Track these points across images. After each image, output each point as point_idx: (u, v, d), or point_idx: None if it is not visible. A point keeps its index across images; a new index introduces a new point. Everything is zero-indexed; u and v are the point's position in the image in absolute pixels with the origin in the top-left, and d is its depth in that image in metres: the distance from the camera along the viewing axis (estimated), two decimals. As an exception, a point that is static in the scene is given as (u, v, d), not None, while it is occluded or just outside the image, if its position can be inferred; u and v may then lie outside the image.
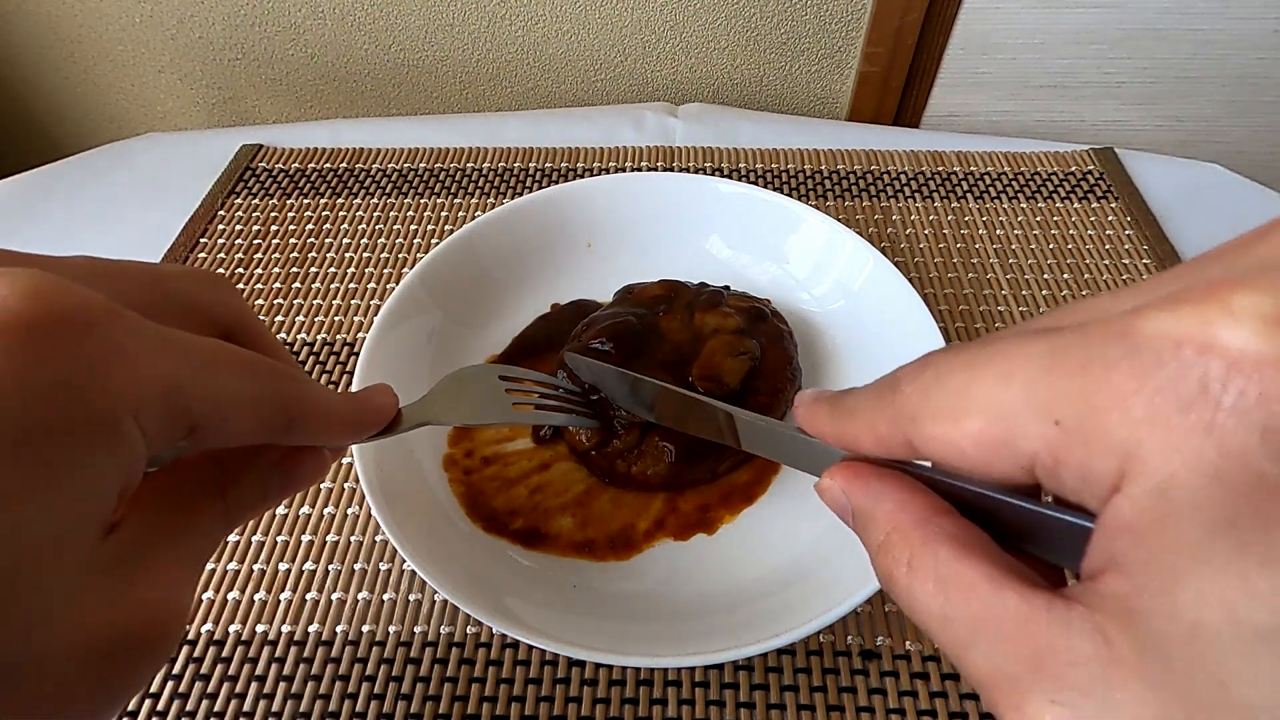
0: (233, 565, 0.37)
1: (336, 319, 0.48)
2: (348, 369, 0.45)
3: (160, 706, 0.32)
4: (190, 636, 0.34)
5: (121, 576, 0.16)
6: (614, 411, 0.36)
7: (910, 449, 0.15)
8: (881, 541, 0.16)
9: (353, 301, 0.49)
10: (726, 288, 0.43)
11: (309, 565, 0.36)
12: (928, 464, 0.16)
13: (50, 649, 0.14)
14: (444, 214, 0.54)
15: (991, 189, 0.56)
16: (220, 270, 0.51)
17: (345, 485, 0.39)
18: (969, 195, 0.55)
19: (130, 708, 0.32)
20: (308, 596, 0.35)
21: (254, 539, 0.37)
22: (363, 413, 0.22)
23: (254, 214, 0.55)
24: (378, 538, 0.37)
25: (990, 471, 0.14)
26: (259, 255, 0.52)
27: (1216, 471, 0.11)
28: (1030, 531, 0.15)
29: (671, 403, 0.32)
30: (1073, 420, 0.12)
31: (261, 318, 0.48)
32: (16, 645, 0.14)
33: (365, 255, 0.52)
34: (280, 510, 0.38)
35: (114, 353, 0.15)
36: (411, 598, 0.35)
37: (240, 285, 0.50)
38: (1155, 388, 0.11)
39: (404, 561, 0.36)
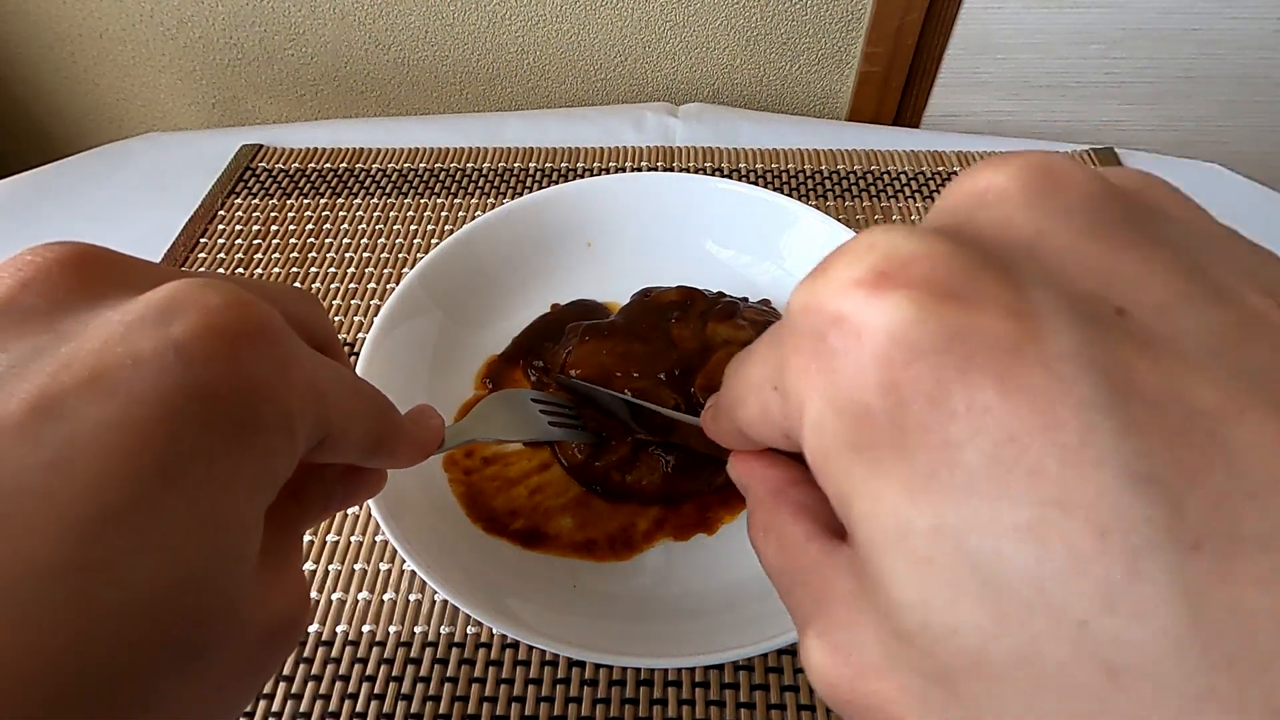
0: (233, 565, 0.37)
1: (336, 319, 0.48)
2: (348, 369, 0.45)
3: (160, 706, 0.32)
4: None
5: (271, 564, 0.17)
6: (610, 422, 0.37)
7: (744, 436, 0.17)
8: (750, 509, 0.18)
9: (353, 301, 0.49)
10: (745, 299, 0.42)
11: (309, 565, 0.36)
12: None
13: (238, 630, 0.16)
14: (444, 214, 0.54)
15: (991, 189, 0.56)
16: (220, 271, 0.51)
17: (345, 485, 0.39)
18: (969, 195, 0.55)
19: (130, 708, 0.32)
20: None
21: (254, 539, 0.37)
22: (425, 440, 0.24)
23: (254, 214, 0.55)
24: (378, 538, 0.37)
25: (778, 443, 0.16)
26: (259, 255, 0.52)
27: (834, 404, 0.13)
28: None
29: (657, 421, 0.32)
30: (779, 382, 0.14)
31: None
32: (215, 625, 0.15)
33: (365, 255, 0.52)
34: (280, 510, 0.38)
35: (292, 359, 0.16)
36: (411, 598, 0.35)
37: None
38: (795, 345, 0.14)
39: (404, 561, 0.36)
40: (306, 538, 0.37)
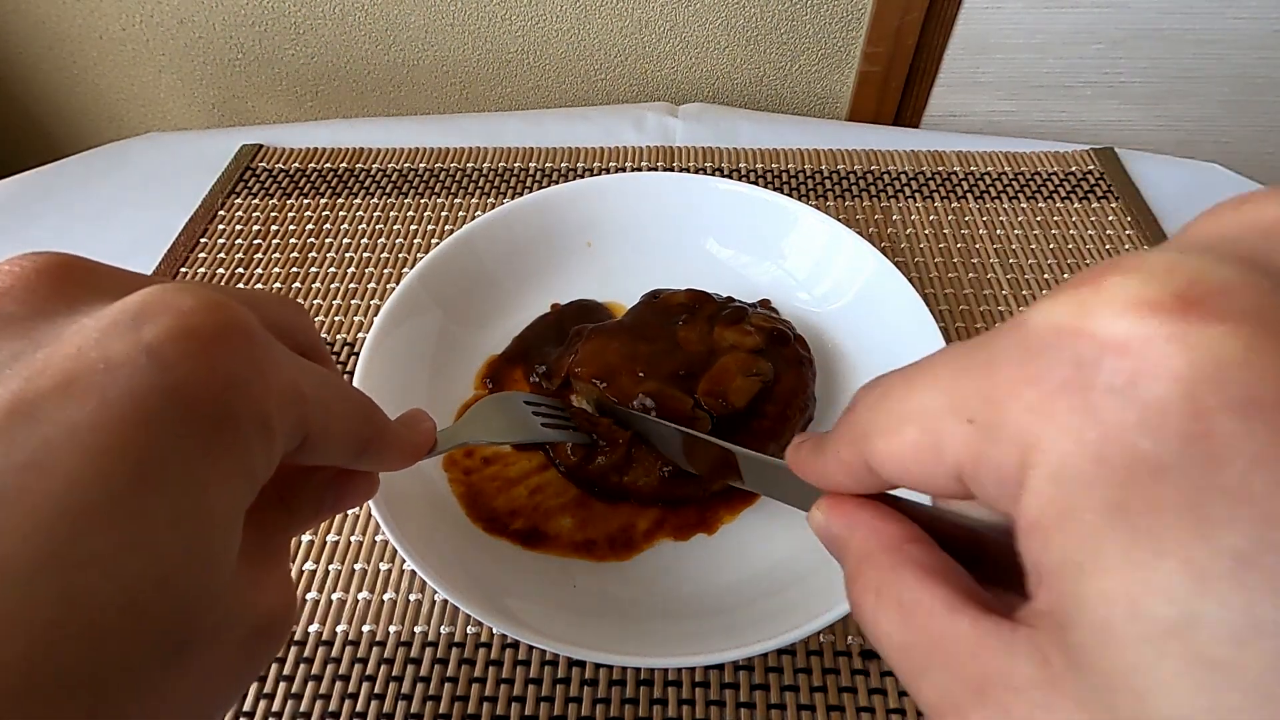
0: (233, 565, 0.36)
1: (336, 319, 0.48)
2: (348, 369, 0.45)
3: (160, 706, 0.32)
4: (190, 636, 0.34)
5: (255, 562, 0.18)
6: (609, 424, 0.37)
7: (870, 472, 0.15)
8: (852, 569, 0.16)
9: (353, 301, 0.49)
10: (755, 305, 0.42)
11: (309, 565, 0.36)
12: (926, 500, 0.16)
13: (222, 627, 0.16)
14: (444, 214, 0.54)
15: (991, 189, 0.56)
16: (220, 271, 0.51)
17: (345, 485, 0.39)
18: (969, 195, 0.55)
19: (130, 708, 0.32)
20: (308, 596, 0.35)
21: (254, 539, 0.37)
22: (415, 444, 0.24)
23: (254, 214, 0.55)
24: (378, 538, 0.37)
25: (932, 485, 0.14)
26: (259, 255, 0.52)
27: (1099, 453, 0.10)
28: (1003, 557, 0.14)
29: (675, 441, 0.32)
30: (981, 416, 0.12)
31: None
32: (198, 621, 0.15)
33: (365, 255, 0.52)
34: (280, 510, 0.38)
35: (268, 361, 0.16)
36: (411, 598, 0.35)
37: (240, 286, 0.50)
38: (1037, 374, 0.11)
39: (404, 561, 0.36)
40: (306, 537, 0.37)
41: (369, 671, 0.33)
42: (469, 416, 0.30)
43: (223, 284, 0.52)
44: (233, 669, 0.17)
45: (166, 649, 0.14)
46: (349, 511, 0.38)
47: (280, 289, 0.49)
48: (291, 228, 0.54)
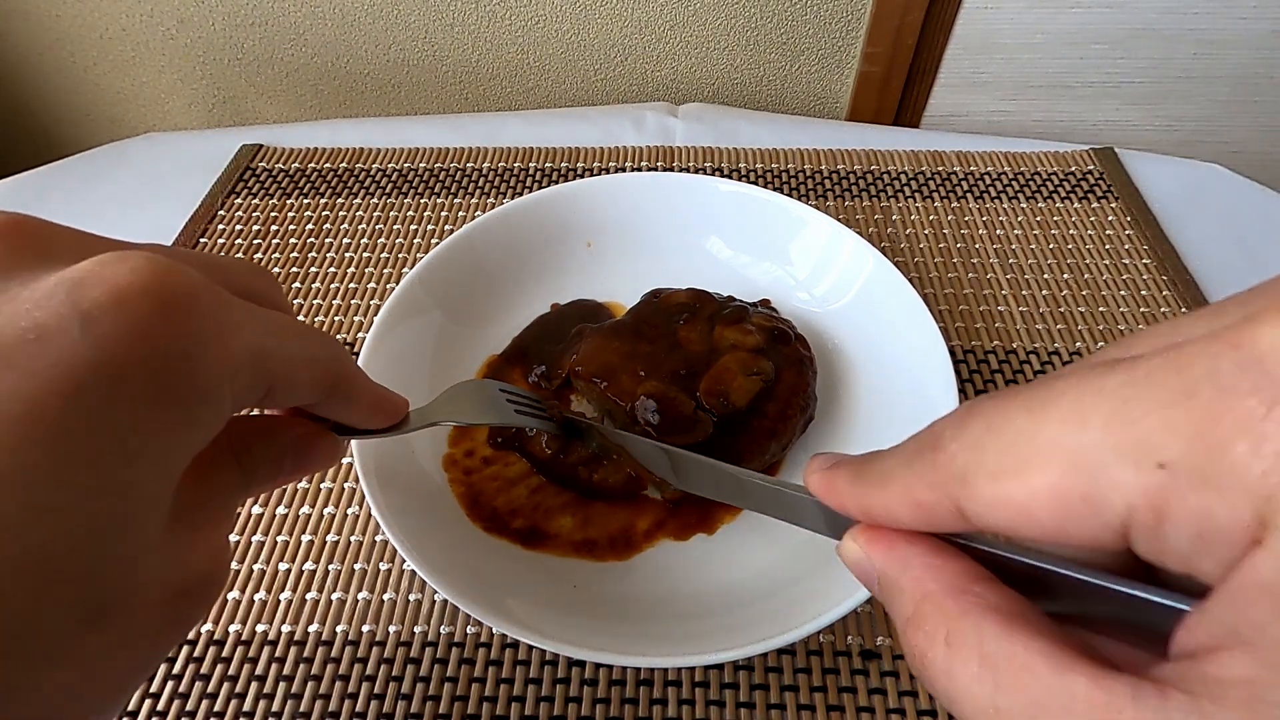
0: (233, 565, 0.36)
1: (336, 319, 0.48)
2: (348, 369, 0.45)
3: (160, 706, 0.32)
4: (190, 636, 0.34)
5: (183, 531, 0.17)
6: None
7: (960, 518, 0.13)
8: (911, 614, 0.13)
9: (353, 301, 0.49)
10: (756, 304, 0.42)
11: (309, 565, 0.36)
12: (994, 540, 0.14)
13: (144, 581, 0.16)
14: (444, 214, 0.54)
15: (991, 189, 0.56)
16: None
17: (345, 485, 0.39)
18: (969, 195, 0.55)
19: (131, 708, 0.32)
20: (308, 596, 0.35)
21: (254, 539, 0.37)
22: (386, 397, 0.24)
23: (254, 214, 0.55)
24: (378, 538, 0.37)
25: (1067, 536, 0.11)
26: (259, 255, 0.52)
27: None
28: (1093, 608, 0.13)
29: (663, 460, 0.29)
30: (1184, 460, 0.10)
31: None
32: (115, 585, 0.15)
33: (365, 255, 0.52)
34: (280, 510, 0.38)
35: (217, 326, 0.16)
36: (411, 598, 0.35)
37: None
38: None
39: (404, 561, 0.36)
40: (306, 538, 0.37)
41: (369, 671, 0.33)
42: (441, 397, 0.30)
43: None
44: (153, 632, 0.17)
45: (79, 613, 0.15)
46: (349, 511, 0.38)
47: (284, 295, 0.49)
48: (291, 228, 0.54)
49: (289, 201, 0.56)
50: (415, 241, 0.52)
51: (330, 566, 0.36)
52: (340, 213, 0.55)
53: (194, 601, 0.18)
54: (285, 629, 0.34)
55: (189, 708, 0.32)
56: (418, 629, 0.34)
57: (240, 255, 0.52)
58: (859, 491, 0.15)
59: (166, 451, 0.16)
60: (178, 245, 0.52)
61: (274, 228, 0.54)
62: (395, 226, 0.54)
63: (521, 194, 0.56)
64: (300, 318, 0.48)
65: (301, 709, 0.32)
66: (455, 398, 0.30)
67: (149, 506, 0.16)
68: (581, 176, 0.57)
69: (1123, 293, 0.48)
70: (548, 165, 0.58)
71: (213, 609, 0.35)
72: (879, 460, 0.15)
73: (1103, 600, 0.12)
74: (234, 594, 0.36)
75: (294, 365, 0.19)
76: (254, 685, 0.33)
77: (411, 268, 0.42)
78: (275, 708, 0.32)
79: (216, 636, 0.34)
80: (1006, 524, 0.12)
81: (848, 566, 0.16)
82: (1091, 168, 0.57)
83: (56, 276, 0.15)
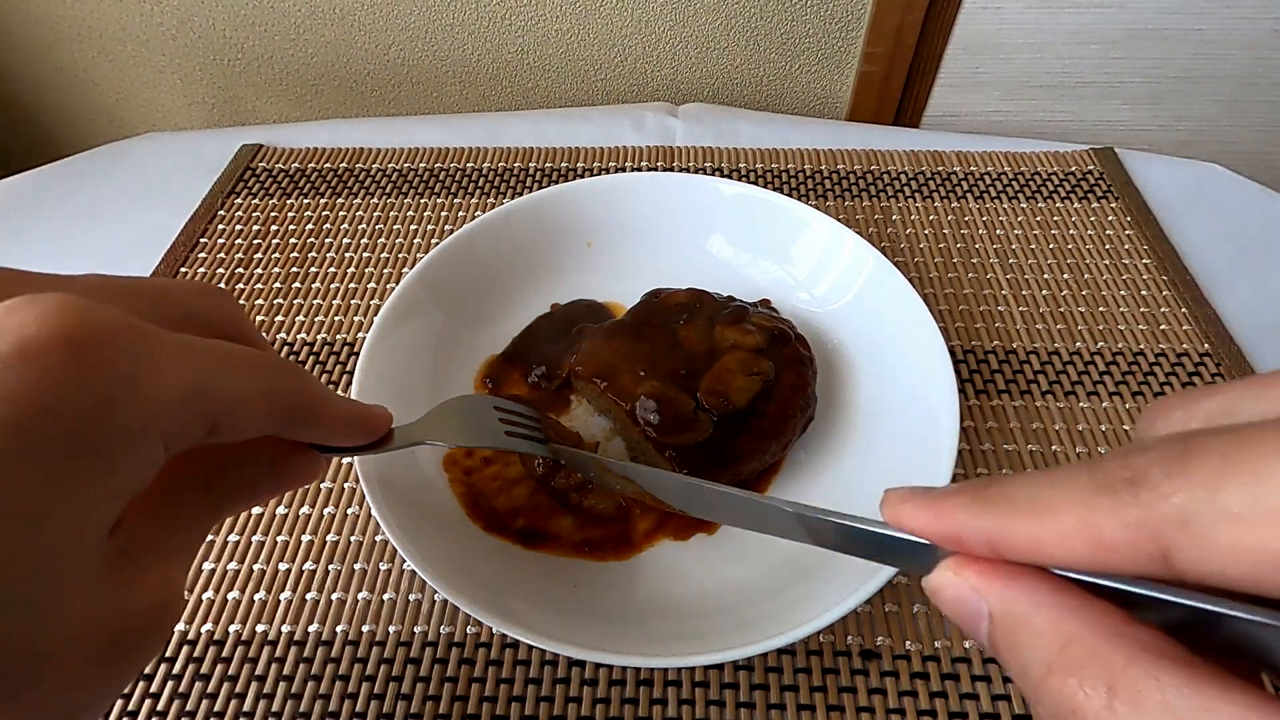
0: (233, 565, 0.37)
1: (336, 319, 0.48)
2: (348, 369, 0.45)
3: (160, 706, 0.32)
4: (190, 636, 0.34)
5: (123, 575, 0.16)
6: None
7: (1161, 562, 0.12)
8: (1055, 659, 0.12)
9: (353, 301, 0.49)
10: (756, 304, 0.42)
11: (309, 565, 0.36)
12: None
13: (66, 643, 0.15)
14: (444, 214, 0.54)
15: (991, 189, 0.56)
16: (220, 270, 0.51)
17: (345, 485, 0.39)
18: (969, 195, 0.55)
19: (130, 708, 0.32)
20: (308, 596, 0.35)
21: (254, 539, 0.37)
22: (361, 415, 0.23)
23: (254, 214, 0.55)
24: (378, 538, 0.37)
25: None
26: (259, 255, 0.52)
27: None
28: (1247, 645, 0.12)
29: (681, 492, 0.26)
30: None
31: (261, 318, 0.47)
32: (37, 640, 0.14)
33: (365, 255, 0.52)
34: (280, 510, 0.38)
35: (142, 367, 0.15)
36: (411, 598, 0.35)
37: (240, 285, 0.50)
38: None
39: (404, 561, 0.36)
40: (306, 537, 0.37)
41: (369, 671, 0.33)
42: (430, 415, 0.29)
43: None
44: (94, 680, 0.16)
45: (11, 678, 0.14)
46: (349, 511, 0.38)
47: (280, 289, 0.49)
48: (291, 228, 0.54)
49: (289, 201, 0.56)
50: (415, 241, 0.52)
51: (330, 566, 0.36)
52: (340, 213, 0.55)
53: (137, 651, 0.17)
54: (285, 629, 0.34)
55: (189, 708, 0.32)
56: (418, 629, 0.34)
57: (240, 255, 0.52)
58: (991, 520, 0.13)
59: (87, 504, 0.15)
60: (177, 245, 0.52)
61: (274, 228, 0.54)
62: (395, 226, 0.54)
63: (521, 194, 0.56)
64: (299, 318, 0.48)
65: (301, 709, 0.32)
66: (445, 415, 0.29)
67: (68, 567, 0.15)
68: (581, 176, 0.57)
69: (1123, 293, 0.48)
70: (548, 165, 0.58)
71: (192, 612, 0.35)
72: (1018, 485, 0.13)
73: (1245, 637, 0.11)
74: (234, 594, 0.36)
75: (239, 400, 0.18)
76: (254, 685, 0.33)
77: (411, 268, 0.42)
78: (275, 708, 0.32)
79: (216, 637, 0.34)
80: (1243, 575, 0.11)
81: (940, 602, 0.14)
82: (1091, 168, 0.57)
83: None
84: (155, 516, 0.17)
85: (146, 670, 0.33)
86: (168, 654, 0.34)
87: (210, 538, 0.37)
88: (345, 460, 0.40)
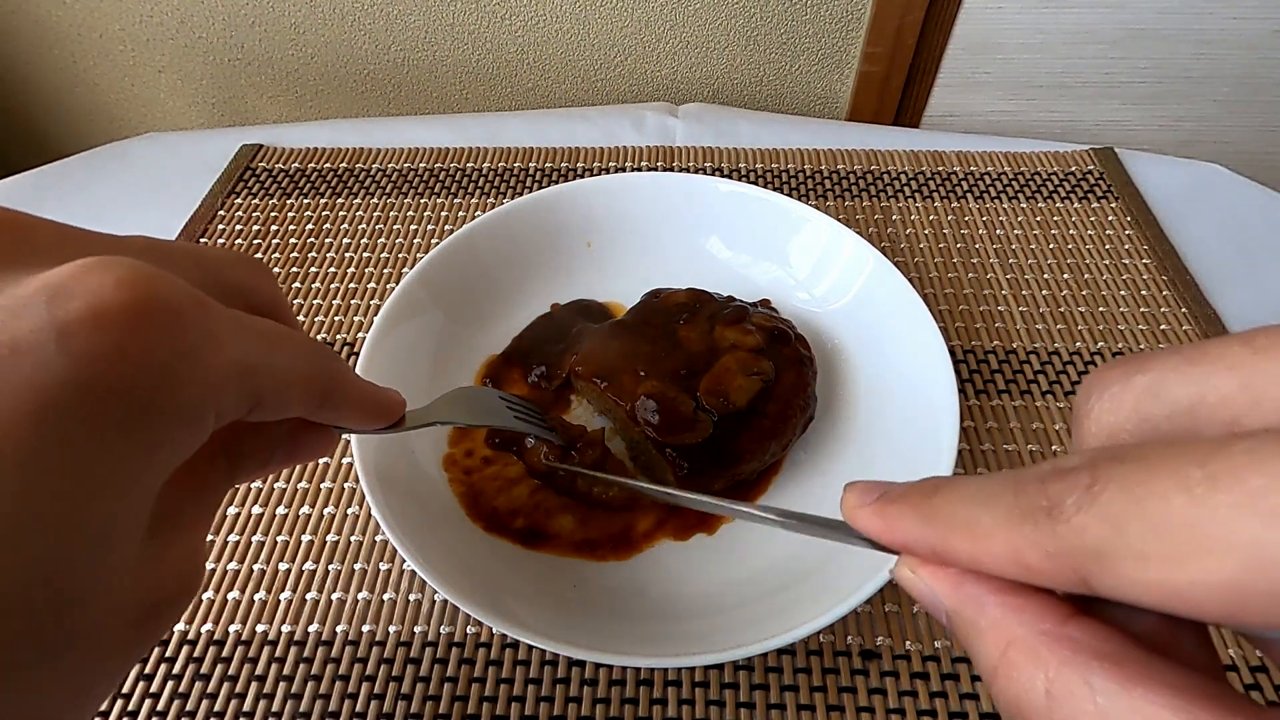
0: (233, 565, 0.37)
1: (336, 319, 0.48)
2: (348, 369, 0.45)
3: (160, 706, 0.32)
4: (190, 636, 0.34)
5: (160, 542, 0.17)
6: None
7: (1084, 586, 0.12)
8: (998, 661, 0.12)
9: (353, 301, 0.49)
10: (756, 304, 0.42)
11: (309, 565, 0.36)
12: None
13: (108, 611, 0.15)
14: (444, 214, 0.54)
15: (991, 189, 0.56)
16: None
17: (345, 485, 0.39)
18: (969, 195, 0.55)
19: (130, 708, 0.32)
20: (308, 596, 0.35)
21: (254, 539, 0.37)
22: (381, 401, 0.24)
23: (254, 214, 0.55)
24: (378, 538, 0.37)
25: (1238, 621, 0.10)
26: (259, 255, 0.52)
27: None
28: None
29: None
30: None
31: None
32: (84, 605, 0.15)
33: (365, 255, 0.52)
34: (280, 510, 0.38)
35: (203, 340, 0.15)
36: (411, 598, 0.35)
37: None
38: None
39: (404, 561, 0.36)
40: (306, 537, 0.37)
41: (369, 671, 0.33)
42: (440, 400, 0.29)
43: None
44: (118, 650, 0.16)
45: (34, 648, 0.14)
46: (349, 511, 0.38)
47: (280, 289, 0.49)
48: (291, 228, 0.54)
49: (289, 201, 0.56)
50: (415, 241, 0.52)
51: (330, 566, 0.36)
52: (340, 213, 0.55)
53: (162, 620, 0.18)
54: (285, 629, 0.34)
55: (189, 708, 0.32)
56: (418, 629, 0.34)
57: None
58: (933, 536, 0.14)
59: (142, 474, 0.15)
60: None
61: (274, 228, 0.54)
62: (395, 226, 0.54)
63: (521, 194, 0.56)
64: (300, 318, 0.48)
65: (301, 709, 0.32)
66: (455, 400, 0.30)
67: (121, 534, 0.15)
68: (581, 176, 0.57)
69: (1123, 293, 0.48)
70: (548, 165, 0.58)
71: (192, 612, 0.35)
72: (954, 501, 0.13)
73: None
74: (234, 594, 0.36)
75: (283, 380, 0.18)
76: (254, 685, 0.33)
77: (411, 268, 0.42)
78: (275, 708, 0.32)
79: (216, 637, 0.34)
80: (1154, 604, 0.11)
81: (910, 594, 0.14)
82: (1091, 168, 0.57)
83: (37, 281, 0.14)
84: (182, 486, 0.17)
85: (146, 670, 0.33)
86: (168, 654, 0.34)
87: (210, 537, 0.37)
88: (345, 460, 0.40)
